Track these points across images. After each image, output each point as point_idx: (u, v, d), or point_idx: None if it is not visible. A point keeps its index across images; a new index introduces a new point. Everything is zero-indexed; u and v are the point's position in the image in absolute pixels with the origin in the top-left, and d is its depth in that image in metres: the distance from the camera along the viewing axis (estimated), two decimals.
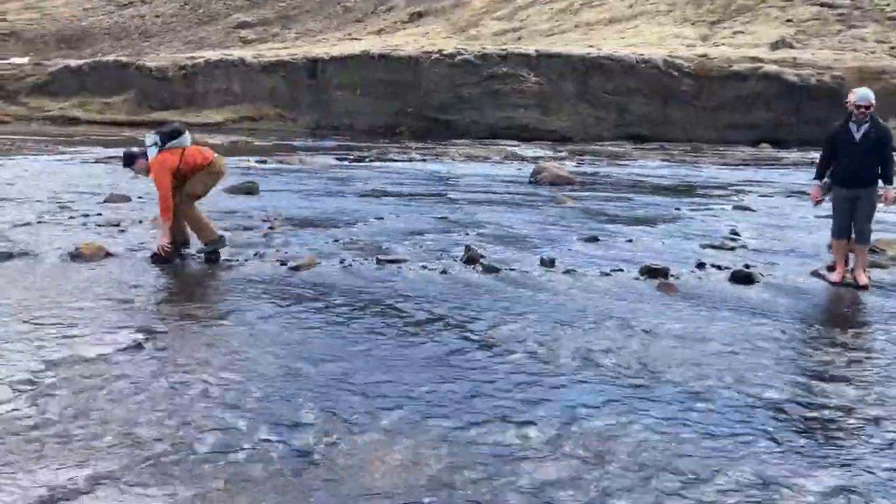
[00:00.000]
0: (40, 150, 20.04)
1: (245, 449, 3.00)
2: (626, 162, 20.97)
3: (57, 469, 2.78)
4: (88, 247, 6.42)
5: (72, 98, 48.08)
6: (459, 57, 36.32)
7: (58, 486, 2.65)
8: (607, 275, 6.33)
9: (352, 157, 20.66)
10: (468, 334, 4.63)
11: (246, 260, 6.51)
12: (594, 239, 8.00)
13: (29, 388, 3.53)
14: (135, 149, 6.68)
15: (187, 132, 6.60)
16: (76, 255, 6.28)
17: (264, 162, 18.05)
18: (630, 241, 8.02)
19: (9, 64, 55.28)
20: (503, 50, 36.32)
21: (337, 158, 20.17)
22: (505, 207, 10.66)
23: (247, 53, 48.34)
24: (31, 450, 2.93)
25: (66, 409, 3.32)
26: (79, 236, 7.19)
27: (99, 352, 4.05)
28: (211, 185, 6.66)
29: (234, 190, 11.49)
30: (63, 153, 19.34)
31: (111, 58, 52.76)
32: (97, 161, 17.18)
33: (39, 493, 2.62)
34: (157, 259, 6.24)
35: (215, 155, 6.67)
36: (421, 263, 6.57)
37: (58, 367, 3.79)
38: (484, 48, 37.62)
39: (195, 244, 6.59)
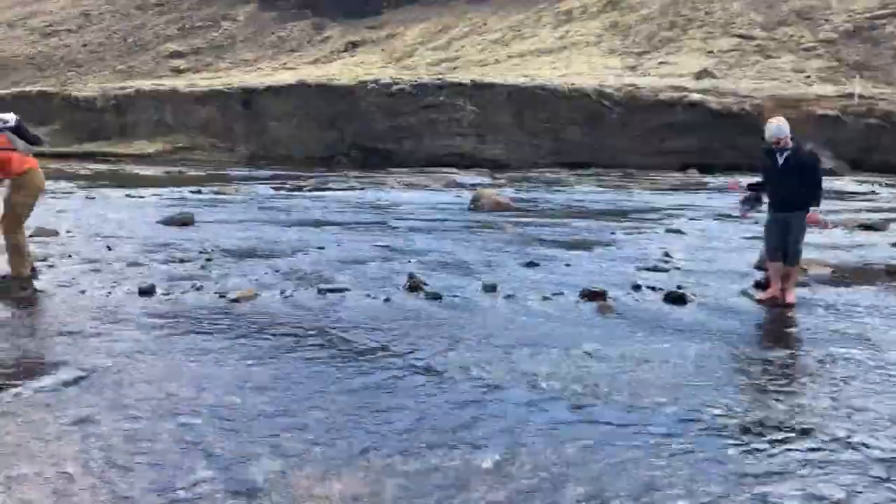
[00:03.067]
0: None
1: (184, 487, 2.92)
2: (563, 188, 21.47)
3: None
4: (8, 282, 6.14)
5: None
6: (396, 87, 36.62)
7: None
8: (548, 299, 6.45)
9: (289, 186, 20.47)
10: (413, 362, 4.64)
11: (183, 292, 6.36)
12: (534, 264, 8.13)
13: None
14: None
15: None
16: None
17: (199, 192, 17.70)
18: (569, 265, 8.19)
19: None
20: (439, 79, 36.79)
21: (274, 188, 19.95)
22: (446, 234, 10.75)
23: (179, 83, 47.56)
24: None
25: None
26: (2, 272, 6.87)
27: (39, 385, 3.88)
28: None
29: (170, 221, 11.23)
30: None
31: (35, 88, 51.02)
32: None
33: None
34: None
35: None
36: (364, 292, 6.55)
37: None
38: (420, 78, 38.02)
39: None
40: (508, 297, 6.47)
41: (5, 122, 6.13)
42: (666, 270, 7.97)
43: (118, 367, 4.35)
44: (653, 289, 6.91)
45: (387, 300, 6.25)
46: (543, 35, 49.47)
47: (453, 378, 4.32)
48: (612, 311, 6.02)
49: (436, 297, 6.37)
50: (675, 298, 6.46)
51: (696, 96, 30.18)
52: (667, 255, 8.97)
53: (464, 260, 8.43)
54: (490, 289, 6.68)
